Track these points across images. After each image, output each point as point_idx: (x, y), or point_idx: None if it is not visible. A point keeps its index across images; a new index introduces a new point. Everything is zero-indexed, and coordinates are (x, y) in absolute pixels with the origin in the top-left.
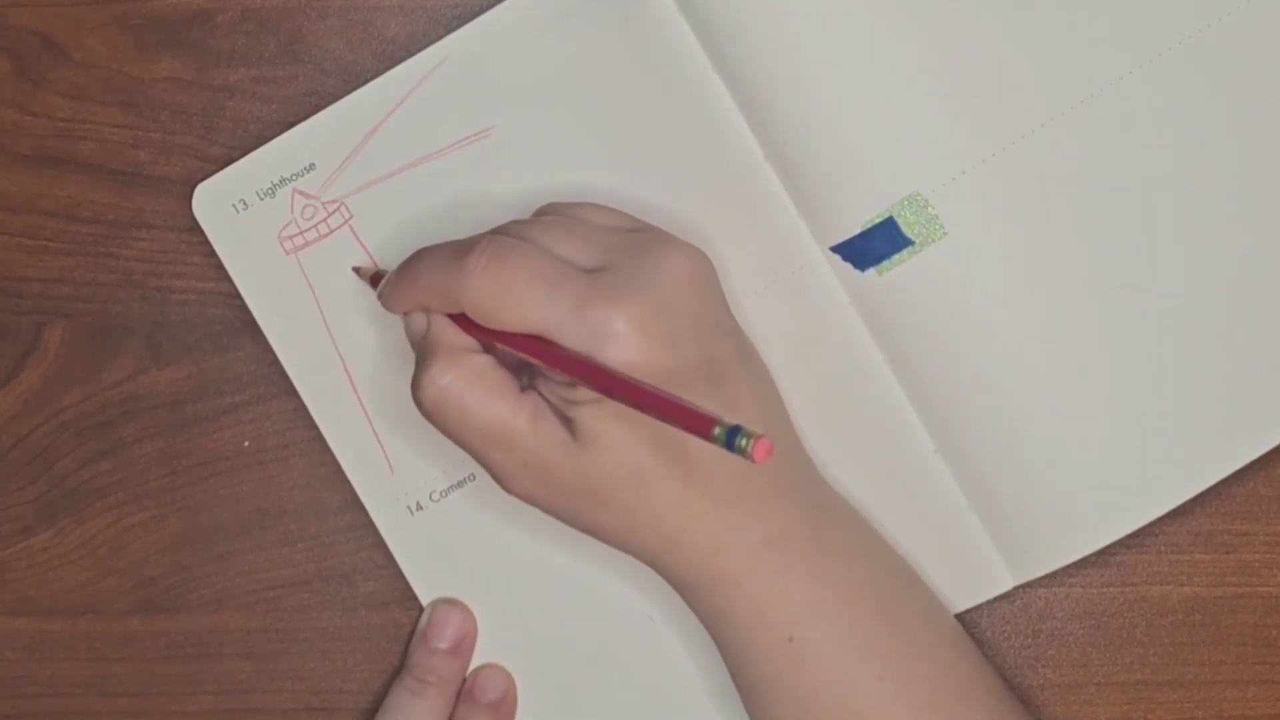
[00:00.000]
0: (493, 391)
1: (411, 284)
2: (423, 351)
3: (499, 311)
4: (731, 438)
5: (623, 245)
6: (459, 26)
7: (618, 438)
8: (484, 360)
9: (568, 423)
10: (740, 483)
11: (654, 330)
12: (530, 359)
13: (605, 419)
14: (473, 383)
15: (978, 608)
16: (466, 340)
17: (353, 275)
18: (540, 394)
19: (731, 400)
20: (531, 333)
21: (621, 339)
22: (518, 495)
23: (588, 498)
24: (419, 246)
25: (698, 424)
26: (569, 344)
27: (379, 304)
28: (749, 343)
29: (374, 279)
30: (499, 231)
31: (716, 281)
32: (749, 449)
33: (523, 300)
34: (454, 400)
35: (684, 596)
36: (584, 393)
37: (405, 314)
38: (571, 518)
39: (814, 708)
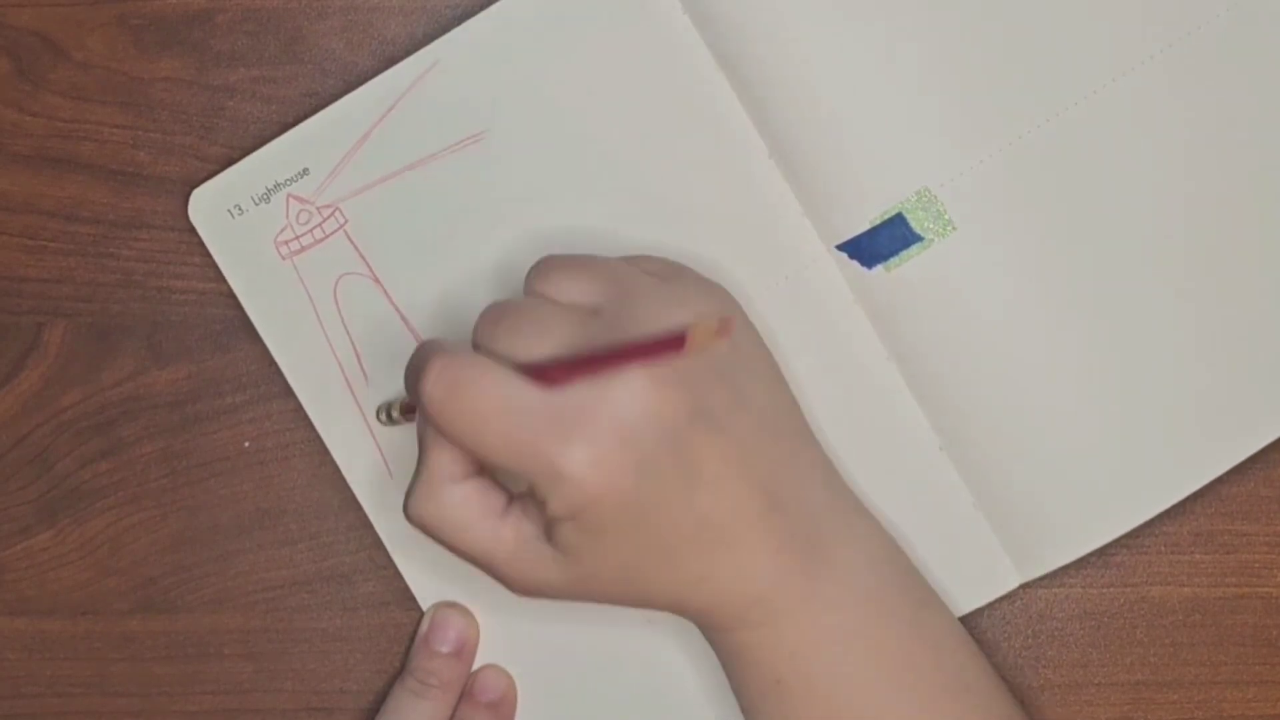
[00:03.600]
0: (472, 522)
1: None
2: (416, 468)
3: (467, 443)
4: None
5: (612, 316)
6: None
7: (601, 549)
8: (462, 491)
9: (550, 534)
10: (729, 551)
11: (615, 460)
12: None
13: (584, 535)
14: (451, 516)
15: (982, 608)
16: (451, 469)
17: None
18: (524, 509)
19: (710, 475)
20: (494, 462)
21: (574, 480)
22: (522, 596)
23: (585, 597)
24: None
25: (669, 347)
26: (529, 478)
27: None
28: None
29: (403, 407)
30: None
31: (749, 322)
32: (703, 340)
33: (480, 438)
34: (436, 530)
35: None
36: (558, 511)
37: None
38: (580, 603)
39: None
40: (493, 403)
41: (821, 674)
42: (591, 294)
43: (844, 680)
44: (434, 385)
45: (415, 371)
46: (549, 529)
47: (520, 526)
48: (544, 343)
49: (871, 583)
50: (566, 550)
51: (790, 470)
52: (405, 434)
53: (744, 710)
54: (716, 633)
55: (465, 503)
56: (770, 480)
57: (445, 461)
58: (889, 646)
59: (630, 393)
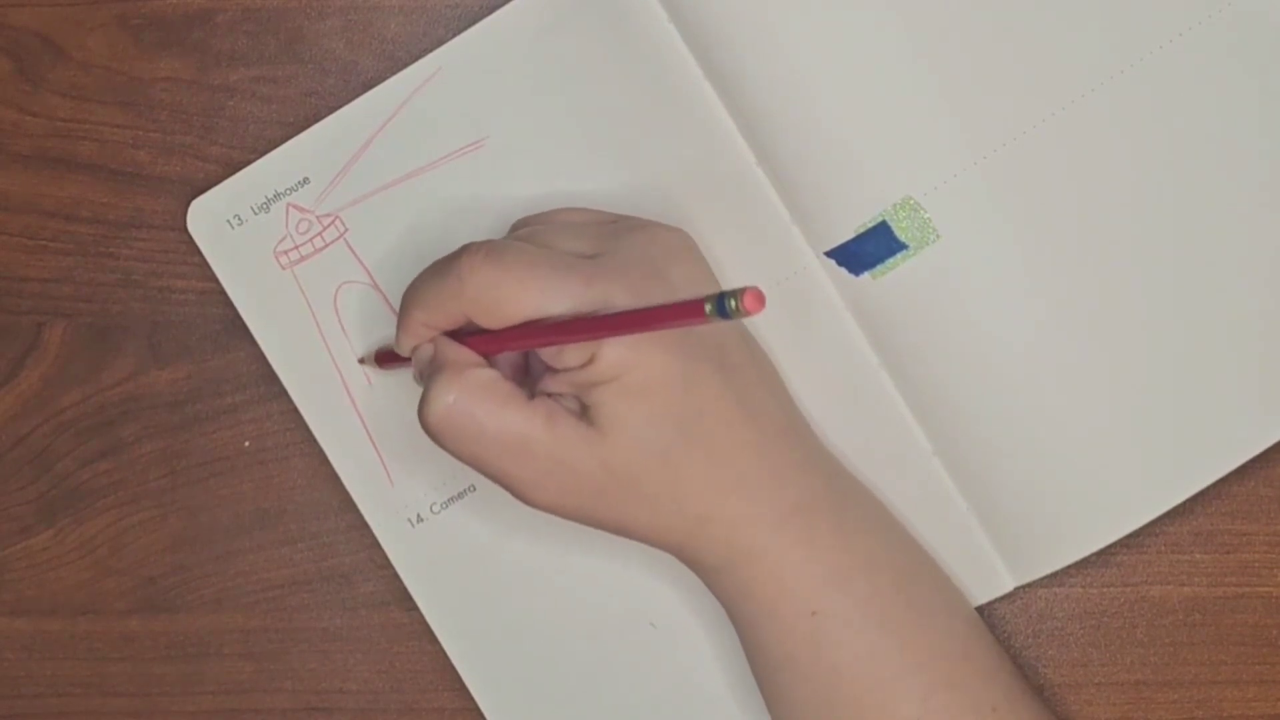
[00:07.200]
0: (503, 401)
1: (411, 307)
2: (428, 375)
3: (502, 304)
4: (722, 306)
5: (609, 233)
6: (459, 26)
7: (641, 418)
8: (489, 373)
9: (586, 412)
10: (761, 455)
11: (658, 300)
12: (538, 346)
13: (627, 399)
14: (481, 395)
15: (978, 608)
16: (470, 356)
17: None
18: (550, 396)
19: (736, 367)
20: (534, 319)
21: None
22: (539, 505)
23: (613, 490)
24: (414, 259)
25: (691, 311)
26: None
27: (395, 345)
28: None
29: (378, 357)
30: None
31: (702, 255)
32: (740, 305)
33: (526, 286)
34: (463, 415)
35: (708, 581)
36: (603, 372)
37: (412, 351)
38: (597, 517)
39: (836, 683)
40: (538, 255)
41: (854, 607)
42: (597, 215)
43: (876, 618)
44: (477, 250)
45: (442, 262)
46: (586, 401)
47: (550, 405)
48: (580, 242)
49: (885, 514)
50: (606, 421)
51: (795, 410)
52: (407, 444)
53: (768, 666)
54: (748, 562)
55: (495, 380)
56: (786, 404)
57: (463, 351)
58: (915, 580)
59: (665, 254)
